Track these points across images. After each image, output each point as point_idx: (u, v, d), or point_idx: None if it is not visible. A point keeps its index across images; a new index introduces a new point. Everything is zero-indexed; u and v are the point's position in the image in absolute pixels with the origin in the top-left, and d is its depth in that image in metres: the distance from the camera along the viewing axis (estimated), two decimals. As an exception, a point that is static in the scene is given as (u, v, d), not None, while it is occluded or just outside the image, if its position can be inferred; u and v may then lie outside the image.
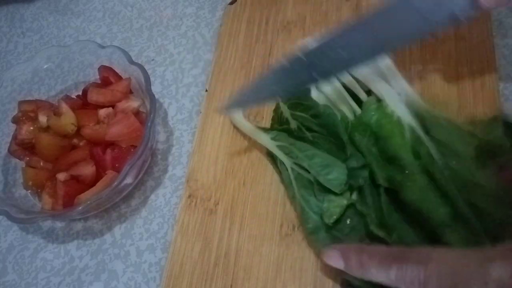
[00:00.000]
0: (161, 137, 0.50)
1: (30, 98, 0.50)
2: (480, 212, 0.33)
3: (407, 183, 0.35)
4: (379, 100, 0.40)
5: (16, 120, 0.48)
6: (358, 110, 0.41)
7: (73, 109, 0.46)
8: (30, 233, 0.48)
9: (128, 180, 0.43)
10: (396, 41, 0.35)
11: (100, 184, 0.43)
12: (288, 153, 0.39)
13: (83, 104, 0.49)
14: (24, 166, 0.47)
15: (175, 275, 0.40)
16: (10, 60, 0.62)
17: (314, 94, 0.42)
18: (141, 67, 0.46)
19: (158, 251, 0.44)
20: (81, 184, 0.43)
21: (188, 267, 0.40)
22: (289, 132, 0.41)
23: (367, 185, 0.37)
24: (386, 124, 0.38)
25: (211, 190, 0.43)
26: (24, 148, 0.48)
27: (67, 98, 0.50)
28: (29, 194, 0.46)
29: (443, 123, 0.36)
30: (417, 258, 0.28)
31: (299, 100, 0.40)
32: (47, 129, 0.47)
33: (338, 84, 0.42)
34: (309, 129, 0.40)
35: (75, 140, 0.46)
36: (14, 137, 0.48)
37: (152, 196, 0.47)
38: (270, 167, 0.43)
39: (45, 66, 0.51)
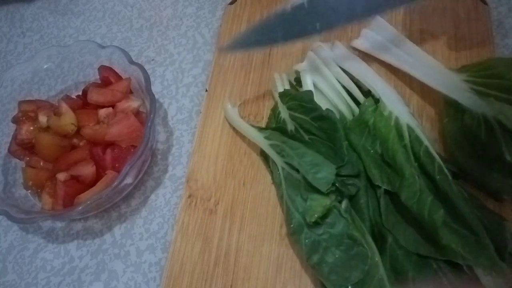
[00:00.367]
0: (161, 137, 0.50)
1: (30, 98, 0.50)
2: (481, 208, 0.33)
3: (404, 186, 0.35)
4: (377, 102, 0.40)
5: (16, 120, 0.48)
6: (357, 110, 0.41)
7: (73, 109, 0.46)
8: (30, 233, 0.48)
9: (128, 180, 0.43)
10: None
11: (100, 184, 0.43)
12: (279, 152, 0.39)
13: (83, 104, 0.49)
14: (24, 166, 0.47)
15: (175, 275, 0.40)
16: (10, 60, 0.62)
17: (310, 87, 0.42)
18: (141, 67, 0.46)
19: (158, 251, 0.44)
20: (81, 184, 0.43)
21: (188, 267, 0.40)
22: (283, 131, 0.41)
23: (363, 186, 0.37)
24: (382, 127, 0.38)
25: (211, 190, 0.43)
26: (24, 148, 0.47)
27: (67, 98, 0.50)
28: (29, 194, 0.46)
29: None
30: None
31: (300, 102, 0.40)
32: (47, 129, 0.47)
33: (337, 85, 0.42)
34: (308, 132, 0.40)
35: (75, 140, 0.46)
36: (14, 137, 0.48)
37: (152, 196, 0.47)
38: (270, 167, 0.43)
39: (45, 66, 0.51)
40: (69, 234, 0.47)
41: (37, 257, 0.46)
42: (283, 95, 0.43)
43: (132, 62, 0.47)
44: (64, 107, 0.46)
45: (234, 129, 0.46)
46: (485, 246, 0.31)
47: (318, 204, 0.35)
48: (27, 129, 0.47)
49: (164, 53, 0.56)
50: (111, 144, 0.45)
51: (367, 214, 0.37)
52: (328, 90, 0.42)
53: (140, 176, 0.46)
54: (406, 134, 0.37)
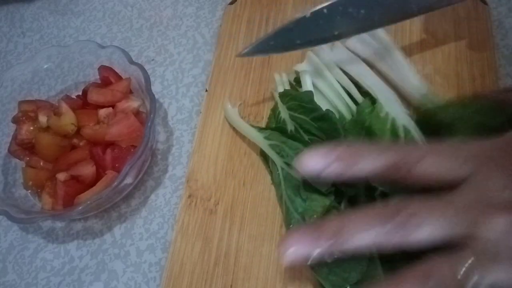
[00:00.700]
0: (161, 137, 0.50)
1: (30, 98, 0.50)
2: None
3: (397, 188, 0.35)
4: (374, 103, 0.40)
5: (16, 120, 0.48)
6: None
7: (73, 109, 0.46)
8: (30, 233, 0.48)
9: (128, 180, 0.43)
10: (415, 5, 0.35)
11: (100, 184, 0.43)
12: (279, 152, 0.39)
13: (83, 104, 0.49)
14: (24, 166, 0.47)
15: (175, 275, 0.40)
16: (10, 60, 0.62)
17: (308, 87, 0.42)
18: (141, 67, 0.46)
19: (158, 251, 0.44)
20: (81, 184, 0.43)
21: (188, 267, 0.40)
22: (283, 131, 0.41)
23: (362, 187, 0.37)
24: (378, 129, 0.38)
25: (211, 190, 0.43)
26: (24, 148, 0.47)
27: (67, 98, 0.50)
28: (29, 194, 0.46)
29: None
30: (415, 146, 0.31)
31: (301, 102, 0.40)
32: (47, 129, 0.47)
33: (337, 85, 0.42)
34: (308, 132, 0.40)
35: (75, 140, 0.46)
36: (14, 137, 0.48)
37: (152, 196, 0.47)
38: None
39: (45, 66, 0.51)
40: (69, 234, 0.47)
41: (37, 257, 0.46)
42: (283, 95, 0.43)
43: (132, 62, 0.47)
44: (64, 107, 0.46)
45: (234, 129, 0.46)
46: None
47: (318, 204, 0.35)
48: (27, 129, 0.47)
49: (164, 53, 0.56)
50: (111, 144, 0.45)
51: None
52: (328, 91, 0.42)
53: (140, 176, 0.46)
54: (402, 135, 0.37)
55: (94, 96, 0.47)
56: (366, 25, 0.37)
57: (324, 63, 0.43)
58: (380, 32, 0.43)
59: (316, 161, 0.30)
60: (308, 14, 0.35)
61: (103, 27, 0.61)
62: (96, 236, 0.46)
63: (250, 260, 0.39)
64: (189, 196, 0.44)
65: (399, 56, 0.42)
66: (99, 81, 0.50)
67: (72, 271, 0.45)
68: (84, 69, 0.51)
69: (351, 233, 0.28)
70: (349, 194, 0.36)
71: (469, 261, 0.25)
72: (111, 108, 0.47)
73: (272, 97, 0.47)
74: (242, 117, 0.46)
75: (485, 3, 0.47)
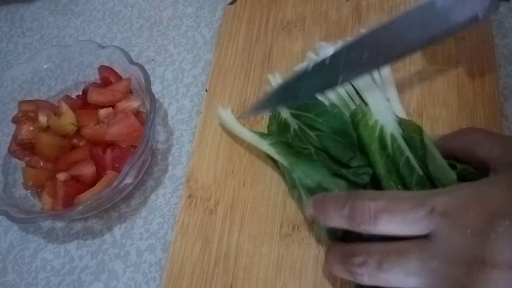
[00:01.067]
0: (161, 137, 0.50)
1: (30, 98, 0.50)
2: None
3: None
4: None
5: (16, 120, 0.48)
6: None
7: (73, 109, 0.46)
8: (30, 233, 0.48)
9: (128, 180, 0.43)
10: (419, 43, 0.34)
11: (100, 184, 0.43)
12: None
13: (83, 104, 0.49)
14: (24, 166, 0.47)
15: (175, 275, 0.40)
16: (10, 60, 0.62)
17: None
18: (141, 67, 0.46)
19: (158, 251, 0.44)
20: (81, 184, 0.43)
21: (188, 267, 0.40)
22: (289, 146, 0.40)
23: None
24: (366, 138, 0.38)
25: (211, 190, 0.43)
26: (24, 148, 0.48)
27: (67, 98, 0.50)
28: (29, 194, 0.46)
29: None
30: (369, 196, 0.30)
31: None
32: (47, 129, 0.47)
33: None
34: (313, 128, 0.39)
35: (75, 140, 0.46)
36: (14, 137, 0.48)
37: (152, 196, 0.47)
38: (270, 167, 0.43)
39: (45, 66, 0.51)
40: (69, 234, 0.47)
41: (37, 257, 0.46)
42: None
43: (132, 62, 0.47)
44: (64, 107, 0.46)
45: (234, 129, 0.46)
46: None
47: None
48: (27, 129, 0.47)
49: (164, 53, 0.56)
50: (111, 144, 0.45)
51: None
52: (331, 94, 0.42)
53: (140, 176, 0.46)
54: (389, 144, 0.37)
55: (94, 96, 0.47)
56: (371, 67, 0.36)
57: None
58: None
59: (310, 211, 0.34)
60: (309, 67, 0.35)
61: (103, 27, 0.61)
62: (96, 236, 0.46)
63: (250, 260, 0.39)
64: (189, 196, 0.44)
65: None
66: (99, 81, 0.50)
67: (72, 271, 0.45)
68: (84, 69, 0.51)
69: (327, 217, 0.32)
70: (364, 182, 0.37)
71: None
72: (111, 108, 0.47)
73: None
74: (240, 118, 0.46)
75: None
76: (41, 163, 0.46)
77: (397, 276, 0.28)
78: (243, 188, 0.43)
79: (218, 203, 0.43)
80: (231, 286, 0.39)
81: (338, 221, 0.31)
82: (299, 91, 0.36)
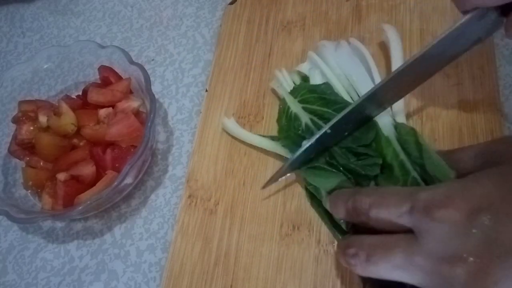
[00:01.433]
0: (161, 137, 0.50)
1: (30, 98, 0.50)
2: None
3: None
4: None
5: (16, 120, 0.48)
6: None
7: (73, 109, 0.46)
8: (30, 233, 0.48)
9: (128, 180, 0.43)
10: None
11: (100, 184, 0.43)
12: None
13: (83, 104, 0.49)
14: (24, 166, 0.47)
15: (175, 275, 0.40)
16: (10, 60, 0.62)
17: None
18: (141, 67, 0.46)
19: (158, 251, 0.44)
20: (81, 184, 0.43)
21: (188, 267, 0.40)
22: (295, 129, 0.41)
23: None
24: (362, 139, 0.38)
25: (211, 190, 0.43)
26: (24, 148, 0.48)
27: (67, 98, 0.50)
28: (29, 194, 0.46)
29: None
30: (366, 191, 0.32)
31: (321, 94, 0.41)
32: (47, 129, 0.47)
33: (339, 86, 0.42)
34: (323, 118, 0.39)
35: (75, 140, 0.46)
36: (14, 137, 0.48)
37: (152, 196, 0.47)
38: (270, 167, 0.43)
39: (45, 66, 0.51)
40: (69, 234, 0.47)
41: (37, 257, 0.46)
42: (297, 89, 0.43)
43: (132, 62, 0.47)
44: (64, 107, 0.46)
45: (234, 129, 0.46)
46: None
47: None
48: (27, 129, 0.47)
49: (164, 53, 0.56)
50: (111, 144, 0.45)
51: None
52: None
53: (140, 176, 0.46)
54: (383, 146, 0.37)
55: (94, 96, 0.47)
56: (371, 116, 0.39)
57: (326, 63, 0.43)
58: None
59: (327, 207, 0.36)
60: (312, 141, 0.38)
61: (103, 27, 0.61)
62: (96, 236, 0.46)
63: (250, 260, 0.39)
64: (189, 196, 0.44)
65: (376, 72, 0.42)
66: (99, 81, 0.50)
67: (72, 271, 0.45)
68: (84, 69, 0.51)
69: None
70: (374, 173, 0.38)
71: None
72: (111, 108, 0.47)
73: (273, 96, 0.47)
74: (241, 118, 0.46)
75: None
76: (41, 163, 0.46)
77: (385, 269, 0.28)
78: (243, 188, 0.43)
79: (218, 203, 0.43)
80: (231, 286, 0.39)
81: (344, 214, 0.33)
82: (305, 159, 0.39)
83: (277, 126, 0.44)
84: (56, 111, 0.47)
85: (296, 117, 0.41)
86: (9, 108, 0.49)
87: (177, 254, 0.41)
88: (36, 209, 0.45)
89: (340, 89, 0.41)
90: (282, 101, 0.44)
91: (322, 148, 0.39)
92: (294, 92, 0.43)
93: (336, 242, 0.38)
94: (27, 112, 0.48)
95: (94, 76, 0.51)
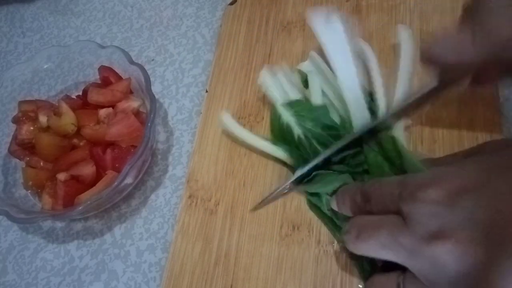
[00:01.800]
0: (161, 137, 0.50)
1: (30, 98, 0.50)
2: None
3: None
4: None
5: (16, 120, 0.48)
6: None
7: (73, 109, 0.46)
8: (30, 233, 0.48)
9: (128, 180, 0.43)
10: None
11: (100, 184, 0.43)
12: None
13: (83, 104, 0.49)
14: (24, 166, 0.47)
15: (175, 275, 0.40)
16: (10, 60, 0.62)
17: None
18: (141, 67, 0.46)
19: (158, 251, 0.44)
20: (81, 184, 0.43)
21: (188, 267, 0.40)
22: (289, 139, 0.41)
23: None
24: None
25: (212, 190, 0.43)
26: (24, 148, 0.48)
27: (67, 98, 0.50)
28: (29, 194, 0.46)
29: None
30: (368, 184, 0.33)
31: (316, 117, 0.41)
32: (47, 129, 0.47)
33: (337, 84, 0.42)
34: (319, 142, 0.40)
35: (75, 140, 0.46)
36: (14, 137, 0.48)
37: (152, 196, 0.47)
38: (270, 168, 0.43)
39: (45, 66, 0.51)
40: (69, 234, 0.47)
41: (37, 257, 0.46)
42: (292, 104, 0.42)
43: (132, 62, 0.47)
44: (64, 107, 0.46)
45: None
46: None
47: None
48: (27, 129, 0.47)
49: (164, 53, 0.56)
50: (111, 144, 0.45)
51: None
52: (330, 92, 0.42)
53: (140, 176, 0.46)
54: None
55: (94, 96, 0.47)
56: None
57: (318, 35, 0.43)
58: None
59: (334, 206, 0.36)
60: (305, 170, 0.39)
61: (103, 27, 0.61)
62: (96, 236, 0.46)
63: (250, 260, 0.39)
64: (190, 196, 0.44)
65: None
66: (99, 81, 0.50)
67: (72, 271, 0.45)
68: (84, 69, 0.51)
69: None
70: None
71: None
72: (111, 108, 0.47)
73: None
74: (241, 118, 0.46)
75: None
76: (41, 163, 0.46)
77: (373, 248, 0.30)
78: (243, 188, 0.43)
79: (218, 204, 0.43)
80: (231, 286, 0.39)
81: (352, 209, 0.34)
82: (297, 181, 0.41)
83: (270, 127, 0.44)
84: (56, 111, 0.47)
85: (289, 128, 0.41)
86: (9, 108, 0.49)
87: (177, 254, 0.41)
88: (36, 209, 0.45)
89: (334, 91, 0.42)
90: (273, 109, 0.43)
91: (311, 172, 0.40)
92: (289, 106, 0.42)
93: (336, 242, 0.38)
94: (27, 112, 0.48)
95: (94, 76, 0.51)
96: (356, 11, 0.49)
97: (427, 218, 0.27)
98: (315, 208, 0.40)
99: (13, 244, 0.48)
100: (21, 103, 0.49)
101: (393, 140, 0.36)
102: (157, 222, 0.45)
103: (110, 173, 0.43)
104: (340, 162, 0.39)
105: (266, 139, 0.43)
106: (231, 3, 0.54)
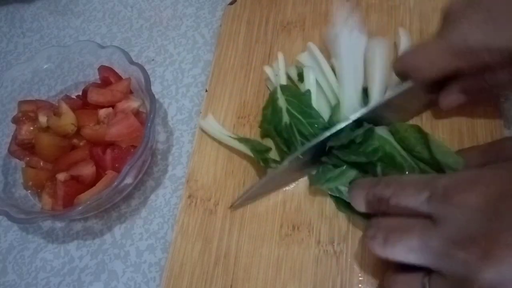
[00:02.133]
0: (161, 137, 0.50)
1: (30, 98, 0.50)
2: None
3: None
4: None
5: (16, 120, 0.48)
6: None
7: (73, 109, 0.46)
8: (30, 233, 0.48)
9: (128, 180, 0.43)
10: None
11: (100, 184, 0.43)
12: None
13: (83, 104, 0.49)
14: (24, 166, 0.47)
15: (175, 275, 0.40)
16: (10, 60, 0.62)
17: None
18: (141, 67, 0.46)
19: (158, 251, 0.44)
20: (81, 184, 0.43)
21: (188, 267, 0.40)
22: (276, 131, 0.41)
23: None
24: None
25: (211, 190, 0.43)
26: (24, 148, 0.48)
27: (67, 98, 0.50)
28: (29, 194, 0.46)
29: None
30: (385, 182, 0.32)
31: (300, 103, 0.41)
32: (47, 129, 0.47)
33: (332, 79, 0.42)
34: (301, 134, 0.40)
35: (75, 140, 0.46)
36: (14, 137, 0.48)
37: (152, 196, 0.47)
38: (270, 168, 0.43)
39: (45, 66, 0.51)
40: (69, 234, 0.47)
41: (37, 257, 0.46)
42: (284, 88, 0.42)
43: (132, 62, 0.47)
44: (64, 107, 0.46)
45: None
46: None
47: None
48: (27, 129, 0.47)
49: (164, 53, 0.56)
50: (111, 144, 0.45)
51: None
52: (326, 85, 0.42)
53: (140, 176, 0.46)
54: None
55: (94, 96, 0.47)
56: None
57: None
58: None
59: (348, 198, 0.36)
60: (286, 164, 0.39)
61: (103, 27, 0.61)
62: (96, 236, 0.46)
63: (250, 260, 0.39)
64: (189, 196, 0.44)
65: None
66: (99, 81, 0.50)
67: (72, 271, 0.45)
68: (84, 69, 0.51)
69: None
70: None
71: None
72: (111, 108, 0.47)
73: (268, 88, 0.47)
74: (241, 118, 0.46)
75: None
76: (41, 163, 0.46)
77: (401, 252, 0.29)
78: (243, 188, 0.43)
79: (218, 204, 0.43)
80: (231, 286, 0.39)
81: (364, 206, 0.33)
82: (278, 183, 0.41)
83: (262, 114, 0.44)
84: (56, 111, 0.47)
85: (280, 112, 0.41)
86: (9, 108, 0.49)
87: (177, 254, 0.41)
88: (36, 209, 0.45)
89: (330, 85, 0.42)
90: (273, 91, 0.43)
91: (295, 174, 0.40)
92: (284, 89, 0.43)
93: (336, 242, 0.38)
94: (27, 112, 0.48)
95: (94, 76, 0.51)
96: (356, 11, 0.49)
97: (464, 222, 0.26)
98: (340, 202, 0.39)
99: (13, 244, 0.48)
100: (21, 103, 0.49)
101: (417, 128, 0.36)
102: (157, 222, 0.45)
103: (110, 173, 0.43)
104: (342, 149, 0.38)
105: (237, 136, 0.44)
106: (231, 3, 0.54)
